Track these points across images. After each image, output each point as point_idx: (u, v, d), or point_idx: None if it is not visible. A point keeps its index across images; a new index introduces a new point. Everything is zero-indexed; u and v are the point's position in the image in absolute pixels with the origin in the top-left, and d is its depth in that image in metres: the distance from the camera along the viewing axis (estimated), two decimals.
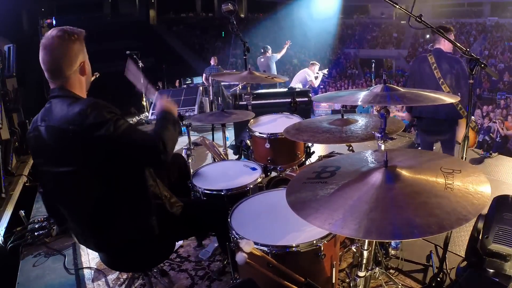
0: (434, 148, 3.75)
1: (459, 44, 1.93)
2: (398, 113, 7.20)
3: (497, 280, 1.89)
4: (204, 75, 9.61)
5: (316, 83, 7.80)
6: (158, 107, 1.77)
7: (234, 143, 4.48)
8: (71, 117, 1.47)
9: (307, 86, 7.26)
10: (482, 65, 1.85)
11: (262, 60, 7.86)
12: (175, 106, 1.80)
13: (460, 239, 2.75)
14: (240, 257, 1.35)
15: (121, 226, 1.64)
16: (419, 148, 4.27)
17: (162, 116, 1.71)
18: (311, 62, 8.07)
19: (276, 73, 7.66)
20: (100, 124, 1.45)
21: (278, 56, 8.11)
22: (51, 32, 1.54)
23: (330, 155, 2.86)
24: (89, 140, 1.46)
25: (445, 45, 3.25)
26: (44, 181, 1.72)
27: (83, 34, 1.61)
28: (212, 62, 9.69)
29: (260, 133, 2.84)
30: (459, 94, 3.10)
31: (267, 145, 2.79)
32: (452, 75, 3.16)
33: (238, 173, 2.44)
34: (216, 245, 2.65)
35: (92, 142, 1.46)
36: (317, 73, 7.86)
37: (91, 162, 1.51)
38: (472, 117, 3.34)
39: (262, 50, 7.96)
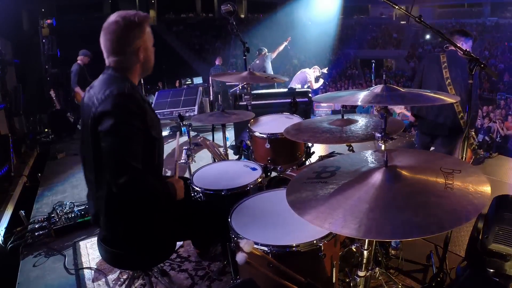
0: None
1: (459, 45, 1.93)
2: (406, 112, 7.14)
3: (497, 280, 1.89)
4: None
5: (316, 85, 7.66)
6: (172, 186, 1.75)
7: (234, 143, 4.48)
8: (101, 93, 1.54)
9: (305, 86, 7.23)
10: (482, 65, 1.85)
11: (258, 62, 7.71)
12: (181, 194, 1.77)
13: (460, 239, 2.75)
14: (240, 257, 1.35)
15: (119, 218, 1.66)
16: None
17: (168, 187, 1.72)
18: (313, 67, 7.91)
19: (273, 73, 7.58)
20: (105, 114, 1.49)
21: (274, 54, 7.93)
22: (111, 16, 1.62)
23: (330, 155, 2.86)
24: (93, 120, 1.52)
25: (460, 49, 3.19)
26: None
27: (145, 20, 1.64)
28: (217, 62, 9.74)
29: (260, 133, 2.84)
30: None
31: (267, 145, 2.79)
32: (462, 81, 3.02)
33: (238, 173, 2.43)
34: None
35: (95, 125, 1.51)
36: (317, 76, 7.74)
37: (95, 142, 1.55)
38: (473, 133, 3.22)
39: (257, 52, 7.81)
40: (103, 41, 1.63)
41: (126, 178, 1.46)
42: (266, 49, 7.83)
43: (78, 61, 6.42)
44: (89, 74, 6.46)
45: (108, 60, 1.66)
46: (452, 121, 3.10)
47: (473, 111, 3.09)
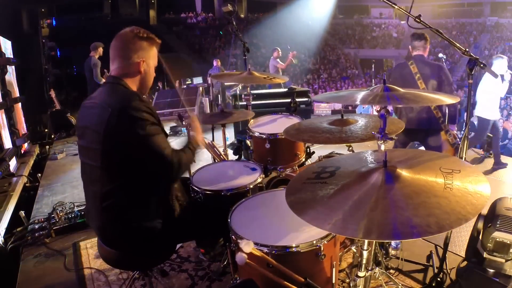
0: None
1: (458, 44, 1.93)
2: None
3: (497, 280, 1.89)
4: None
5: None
6: (190, 136, 1.92)
7: (234, 144, 4.48)
8: (113, 100, 1.58)
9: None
10: (482, 65, 1.84)
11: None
12: (202, 141, 1.94)
13: (460, 239, 2.75)
14: (240, 257, 1.35)
15: (125, 221, 1.66)
16: (419, 147, 4.25)
17: (188, 143, 1.85)
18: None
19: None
20: (135, 120, 1.53)
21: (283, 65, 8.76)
22: (127, 28, 1.71)
23: (329, 155, 2.86)
24: (121, 130, 1.54)
25: (425, 52, 3.27)
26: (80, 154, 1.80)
27: (156, 41, 1.75)
28: (215, 64, 9.79)
29: (260, 133, 2.84)
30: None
31: (267, 146, 2.78)
32: (434, 82, 3.12)
33: (238, 173, 2.43)
34: None
35: (123, 133, 1.54)
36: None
37: (113, 149, 1.58)
38: (454, 131, 3.28)
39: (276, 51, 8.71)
40: (112, 46, 1.69)
41: (175, 170, 1.63)
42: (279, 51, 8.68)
43: (95, 55, 5.88)
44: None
45: (112, 67, 1.70)
46: (435, 124, 3.16)
47: (452, 107, 3.14)
